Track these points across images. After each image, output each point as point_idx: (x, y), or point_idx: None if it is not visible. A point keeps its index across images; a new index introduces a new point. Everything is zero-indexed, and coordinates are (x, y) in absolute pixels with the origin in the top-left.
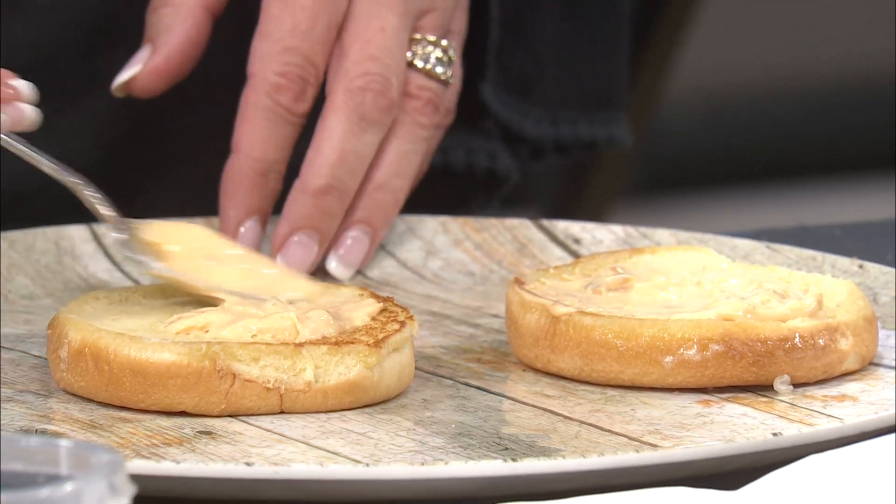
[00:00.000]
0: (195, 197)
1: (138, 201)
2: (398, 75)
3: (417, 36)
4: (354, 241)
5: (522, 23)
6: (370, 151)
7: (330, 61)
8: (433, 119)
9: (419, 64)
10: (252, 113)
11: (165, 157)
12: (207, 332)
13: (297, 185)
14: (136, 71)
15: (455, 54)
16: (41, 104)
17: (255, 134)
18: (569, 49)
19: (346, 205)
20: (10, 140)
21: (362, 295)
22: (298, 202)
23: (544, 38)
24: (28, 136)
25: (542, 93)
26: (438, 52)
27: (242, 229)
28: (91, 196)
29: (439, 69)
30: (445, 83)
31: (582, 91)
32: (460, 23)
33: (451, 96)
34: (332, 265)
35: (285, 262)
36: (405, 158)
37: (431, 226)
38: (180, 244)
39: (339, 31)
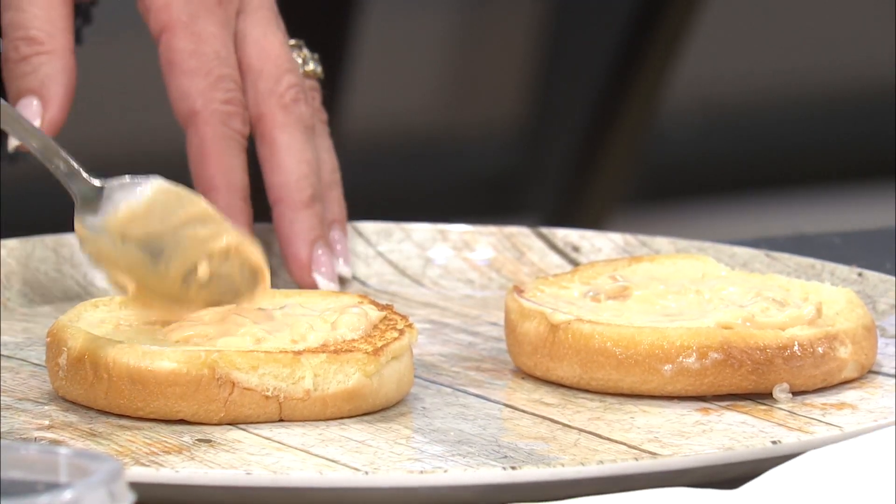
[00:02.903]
0: None
1: None
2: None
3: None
4: (339, 242)
5: None
6: (317, 155)
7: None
8: (325, 116)
9: (304, 68)
10: (216, 146)
11: None
12: (209, 339)
13: (285, 206)
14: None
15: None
16: None
17: (227, 164)
18: None
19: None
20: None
21: (362, 303)
22: (299, 220)
23: None
24: None
25: None
26: (306, 53)
27: None
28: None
29: (319, 68)
30: (321, 79)
31: None
32: None
33: None
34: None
35: (324, 278)
36: (330, 152)
37: (430, 233)
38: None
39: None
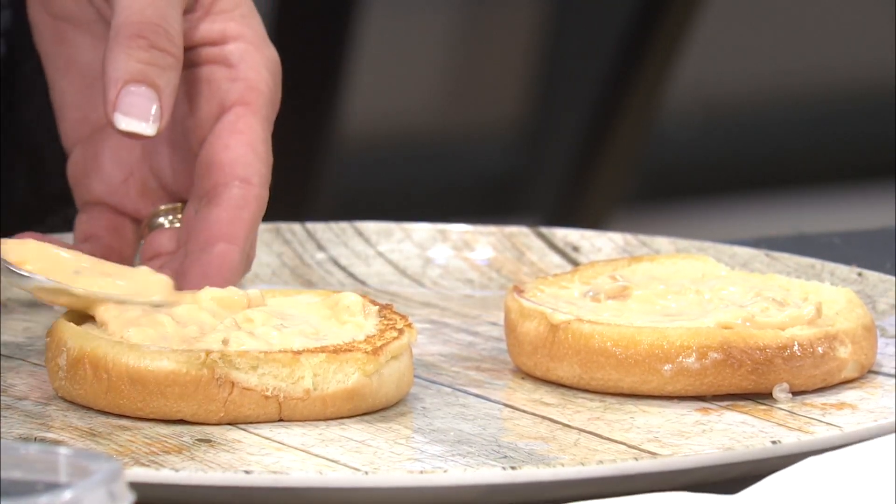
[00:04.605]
0: None
1: None
2: None
3: None
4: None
5: None
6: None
7: None
8: None
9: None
10: (265, 129)
11: None
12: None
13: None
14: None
15: None
16: None
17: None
18: None
19: None
20: None
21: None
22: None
23: None
24: None
25: None
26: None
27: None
28: None
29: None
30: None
31: None
32: None
33: None
34: None
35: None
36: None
37: (430, 233)
38: (38, 262)
39: None
